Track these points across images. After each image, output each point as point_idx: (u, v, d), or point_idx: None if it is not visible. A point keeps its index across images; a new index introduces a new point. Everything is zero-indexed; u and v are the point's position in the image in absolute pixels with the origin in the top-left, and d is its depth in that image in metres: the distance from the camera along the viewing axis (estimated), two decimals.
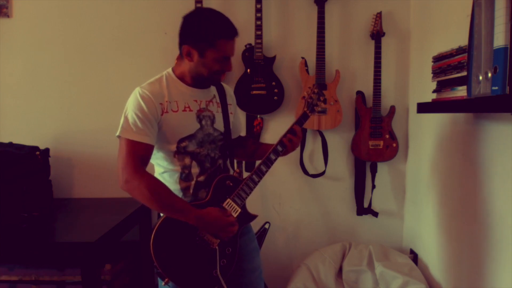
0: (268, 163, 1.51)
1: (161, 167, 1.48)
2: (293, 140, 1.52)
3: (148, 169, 1.38)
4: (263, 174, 1.49)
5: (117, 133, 1.38)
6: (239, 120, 1.69)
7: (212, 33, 1.36)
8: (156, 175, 1.49)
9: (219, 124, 1.51)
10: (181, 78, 1.47)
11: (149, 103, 1.37)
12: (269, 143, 1.67)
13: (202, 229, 1.40)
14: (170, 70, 1.49)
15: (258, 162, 1.52)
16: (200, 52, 1.38)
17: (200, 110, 1.46)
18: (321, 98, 1.61)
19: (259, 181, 1.49)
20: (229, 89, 1.62)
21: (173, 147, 1.43)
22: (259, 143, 1.75)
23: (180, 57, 1.46)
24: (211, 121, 1.49)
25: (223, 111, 1.53)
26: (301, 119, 1.57)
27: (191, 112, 1.45)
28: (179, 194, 1.45)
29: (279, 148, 1.52)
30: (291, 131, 1.53)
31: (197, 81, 1.47)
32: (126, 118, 1.37)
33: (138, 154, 1.35)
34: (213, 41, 1.36)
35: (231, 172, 1.56)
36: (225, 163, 1.54)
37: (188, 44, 1.39)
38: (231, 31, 1.39)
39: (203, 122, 1.46)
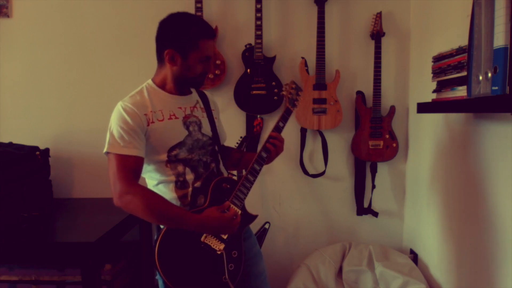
0: (261, 161, 1.50)
1: (154, 179, 1.45)
2: (276, 143, 1.53)
3: (141, 183, 1.36)
4: (257, 172, 1.49)
5: (105, 150, 1.35)
6: (222, 126, 1.67)
7: (194, 34, 1.37)
8: (150, 187, 1.46)
9: (207, 129, 1.51)
10: (162, 86, 1.46)
11: (133, 115, 1.35)
12: (252, 152, 1.69)
13: (206, 233, 1.37)
14: (149, 81, 1.48)
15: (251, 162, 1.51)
16: (183, 55, 1.38)
17: (186, 117, 1.46)
18: (299, 93, 1.65)
19: (254, 180, 1.48)
20: (210, 96, 1.63)
21: (164, 157, 1.41)
22: (243, 152, 1.75)
23: (160, 64, 1.45)
24: (198, 126, 1.48)
25: (208, 116, 1.53)
26: (285, 115, 1.60)
27: (177, 120, 1.43)
28: (177, 203, 1.42)
29: (268, 146, 1.52)
30: (271, 134, 1.54)
31: (179, 86, 1.46)
32: (111, 133, 1.35)
33: (129, 167, 1.32)
34: (196, 43, 1.37)
35: (225, 175, 1.55)
36: (218, 167, 1.53)
37: (170, 48, 1.38)
38: (210, 31, 1.41)
39: (191, 128, 1.45)
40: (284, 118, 1.59)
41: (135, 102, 1.38)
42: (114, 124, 1.36)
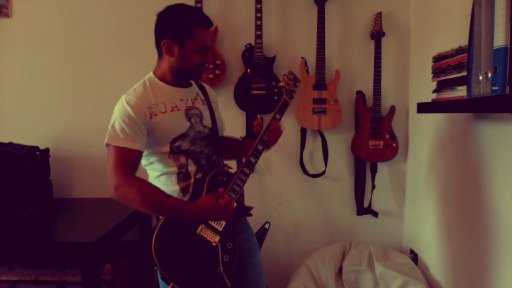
0: (257, 154, 1.52)
1: (157, 171, 1.46)
2: (274, 132, 1.57)
3: (142, 175, 1.37)
4: (253, 165, 1.51)
5: (105, 142, 1.37)
6: (221, 118, 1.69)
7: (189, 23, 1.38)
8: (152, 179, 1.48)
9: (207, 121, 1.52)
10: (163, 79, 1.47)
11: (136, 108, 1.36)
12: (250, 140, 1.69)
13: (201, 220, 1.40)
14: (151, 74, 1.49)
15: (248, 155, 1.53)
16: (180, 45, 1.39)
17: (187, 109, 1.47)
18: (297, 84, 1.65)
19: (250, 173, 1.50)
20: (209, 88, 1.64)
21: (167, 148, 1.42)
22: (242, 141, 1.76)
23: (159, 56, 1.47)
24: (200, 118, 1.50)
25: (209, 108, 1.55)
26: (282, 107, 1.60)
27: (179, 112, 1.45)
28: (179, 194, 1.44)
29: (265, 138, 1.55)
30: (271, 123, 1.57)
31: (179, 78, 1.47)
32: (113, 126, 1.36)
33: (127, 160, 1.33)
34: (191, 31, 1.38)
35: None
36: (219, 158, 1.55)
37: (167, 39, 1.39)
38: (206, 20, 1.42)
39: (193, 120, 1.47)
40: (281, 110, 1.59)
41: (138, 95, 1.40)
42: (116, 117, 1.37)
